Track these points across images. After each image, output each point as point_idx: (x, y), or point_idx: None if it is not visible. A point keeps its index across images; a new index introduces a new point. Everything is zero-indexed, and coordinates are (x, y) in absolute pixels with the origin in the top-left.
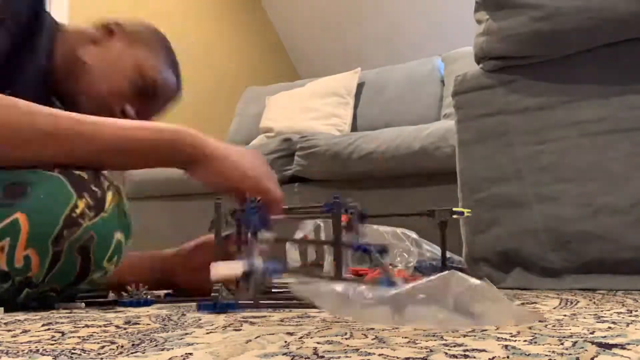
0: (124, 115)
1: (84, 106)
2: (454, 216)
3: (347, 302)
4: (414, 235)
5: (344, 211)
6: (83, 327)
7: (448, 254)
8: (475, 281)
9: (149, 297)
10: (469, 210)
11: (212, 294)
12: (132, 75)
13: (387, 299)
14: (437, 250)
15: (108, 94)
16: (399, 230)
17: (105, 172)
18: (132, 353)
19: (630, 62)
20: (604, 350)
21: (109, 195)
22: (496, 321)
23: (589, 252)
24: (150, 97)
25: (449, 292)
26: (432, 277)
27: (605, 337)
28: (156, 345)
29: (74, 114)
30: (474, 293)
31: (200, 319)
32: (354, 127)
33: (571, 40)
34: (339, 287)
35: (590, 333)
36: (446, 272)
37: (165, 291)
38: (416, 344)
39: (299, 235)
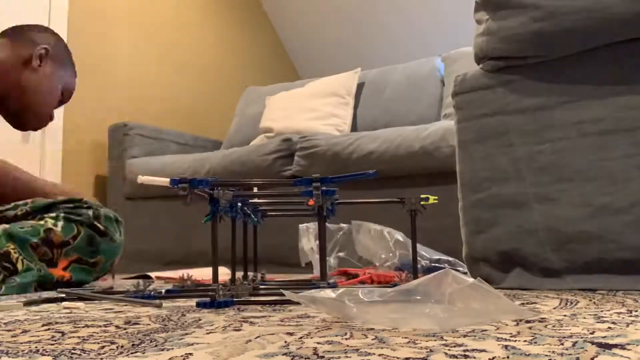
0: (51, 118)
1: (29, 118)
2: (422, 203)
3: (344, 305)
4: (398, 235)
5: (308, 193)
6: (83, 327)
7: (439, 255)
8: (471, 279)
9: (152, 292)
10: (435, 197)
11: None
12: (59, 94)
13: (382, 300)
14: (425, 250)
15: (46, 110)
16: (385, 230)
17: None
18: (132, 353)
19: (630, 62)
20: (604, 351)
21: None
22: (496, 317)
23: (589, 252)
24: (64, 102)
25: (444, 291)
26: (426, 277)
27: (605, 337)
28: (156, 346)
29: None
30: (471, 291)
31: (200, 319)
32: (354, 127)
33: (571, 41)
34: (333, 293)
35: (590, 333)
36: (441, 270)
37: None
38: (416, 344)
39: (301, 240)
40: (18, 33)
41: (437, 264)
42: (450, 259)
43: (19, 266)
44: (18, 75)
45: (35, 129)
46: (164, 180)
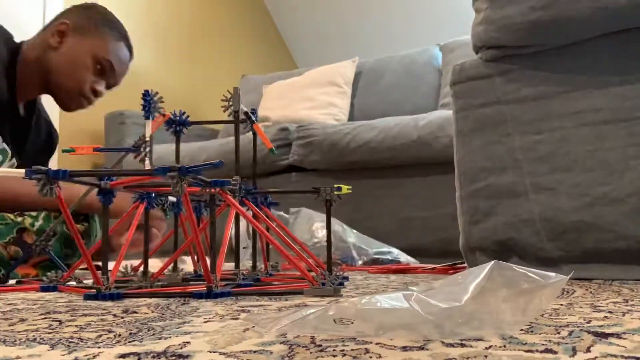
0: (95, 92)
1: (65, 99)
2: (336, 193)
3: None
4: (338, 226)
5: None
6: (81, 315)
7: (387, 248)
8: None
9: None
10: (349, 187)
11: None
12: (90, 64)
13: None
14: (366, 242)
15: (76, 86)
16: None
17: None
18: (129, 342)
19: (629, 52)
20: (600, 340)
21: None
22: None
23: (586, 241)
24: (110, 72)
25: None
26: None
27: (601, 326)
28: (154, 334)
29: None
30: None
31: (198, 309)
32: (352, 117)
33: (570, 30)
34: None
35: (587, 322)
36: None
37: None
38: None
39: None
40: (56, 16)
41: (380, 256)
42: (394, 250)
43: None
44: (44, 59)
45: (78, 108)
46: (19, 172)
